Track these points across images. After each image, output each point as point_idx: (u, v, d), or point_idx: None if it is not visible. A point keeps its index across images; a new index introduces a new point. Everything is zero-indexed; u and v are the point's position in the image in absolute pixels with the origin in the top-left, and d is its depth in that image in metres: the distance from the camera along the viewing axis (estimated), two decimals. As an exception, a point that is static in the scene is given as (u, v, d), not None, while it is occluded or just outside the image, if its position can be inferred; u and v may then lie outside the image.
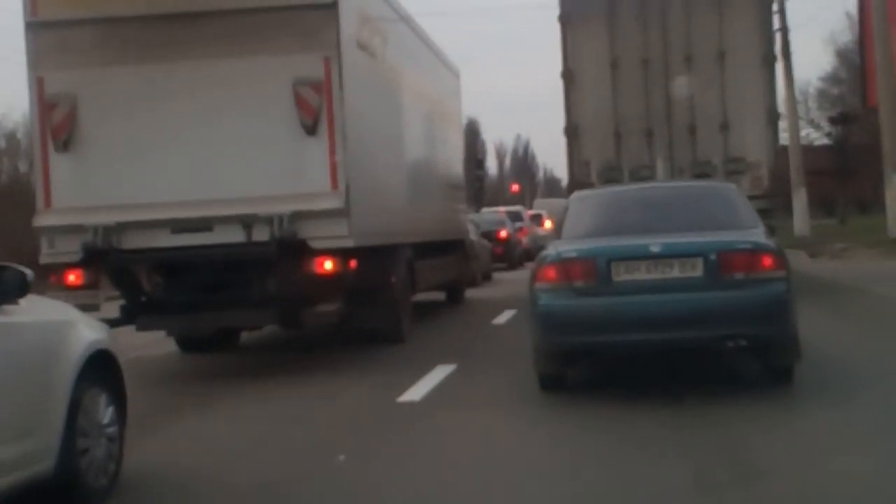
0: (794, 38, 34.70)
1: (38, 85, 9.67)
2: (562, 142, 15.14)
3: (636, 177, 14.63)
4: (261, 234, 9.41)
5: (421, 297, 14.81)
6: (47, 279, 9.61)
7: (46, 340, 5.16)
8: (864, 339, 10.40)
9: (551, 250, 7.76)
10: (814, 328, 9.64)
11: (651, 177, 14.59)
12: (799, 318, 7.54)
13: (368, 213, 10.11)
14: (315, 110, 9.41)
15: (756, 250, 7.28)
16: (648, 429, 6.63)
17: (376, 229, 10.58)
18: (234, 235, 9.48)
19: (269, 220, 9.34)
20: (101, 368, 5.49)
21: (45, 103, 9.64)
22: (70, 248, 9.58)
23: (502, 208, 36.09)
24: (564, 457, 6.21)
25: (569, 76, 15.07)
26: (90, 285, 9.78)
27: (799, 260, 20.64)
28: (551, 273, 7.44)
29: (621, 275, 7.25)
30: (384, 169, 11.28)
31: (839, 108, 55.27)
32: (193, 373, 10.81)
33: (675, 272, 7.19)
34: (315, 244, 9.50)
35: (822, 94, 57.48)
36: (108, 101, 9.63)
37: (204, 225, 9.51)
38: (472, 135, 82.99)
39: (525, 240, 31.73)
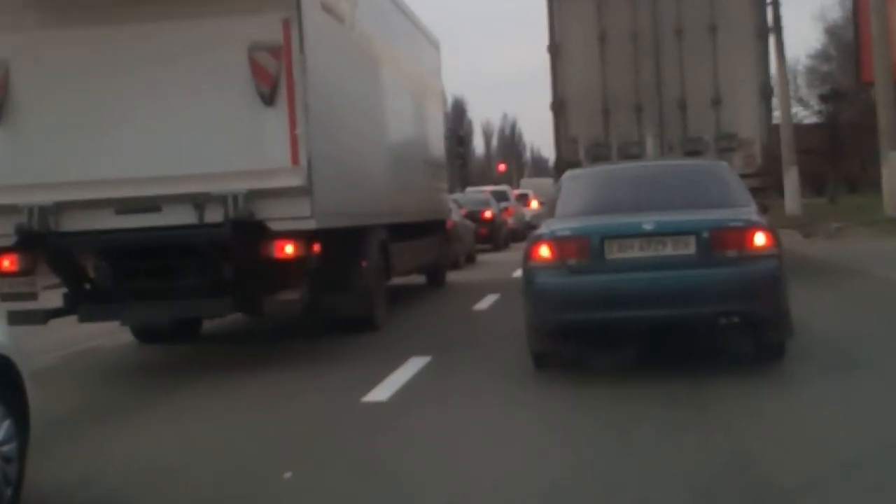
0: (783, 13, 33.82)
1: None
2: (549, 121, 14.81)
3: (625, 154, 14.22)
4: (214, 215, 8.54)
5: (400, 280, 14.05)
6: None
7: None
8: (866, 325, 9.57)
9: (545, 229, 7.79)
10: (813, 313, 9.39)
11: (640, 154, 14.17)
12: (793, 301, 7.55)
13: (334, 192, 9.24)
14: (273, 78, 8.51)
15: (748, 228, 7.29)
16: (641, 414, 6.36)
17: (344, 209, 9.72)
18: (185, 216, 8.60)
19: (222, 200, 8.46)
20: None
21: None
22: (2, 231, 8.68)
23: (487, 188, 35.26)
24: (548, 470, 5.36)
25: (555, 50, 14.65)
26: (26, 272, 8.90)
27: (793, 240, 19.93)
28: (545, 251, 7.44)
29: (614, 253, 7.28)
30: (353, 143, 10.37)
31: (829, 85, 54.72)
32: (142, 368, 9.92)
33: (667, 250, 7.23)
34: (274, 226, 8.64)
35: (811, 72, 56.89)
36: (44, 68, 8.70)
37: (151, 205, 8.63)
38: (459, 114, 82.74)
39: (511, 220, 30.93)
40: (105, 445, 6.49)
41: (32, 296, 9.10)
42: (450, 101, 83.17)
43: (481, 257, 23.65)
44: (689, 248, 7.17)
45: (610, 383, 7.36)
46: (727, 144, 14.18)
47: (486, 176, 73.31)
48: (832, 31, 54.68)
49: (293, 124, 8.53)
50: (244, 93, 8.53)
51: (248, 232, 8.59)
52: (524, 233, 32.20)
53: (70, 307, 9.30)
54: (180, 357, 10.29)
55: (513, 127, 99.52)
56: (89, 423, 7.21)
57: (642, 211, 7.62)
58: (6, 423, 4.68)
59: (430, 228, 15.22)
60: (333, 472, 5.51)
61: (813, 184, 46.62)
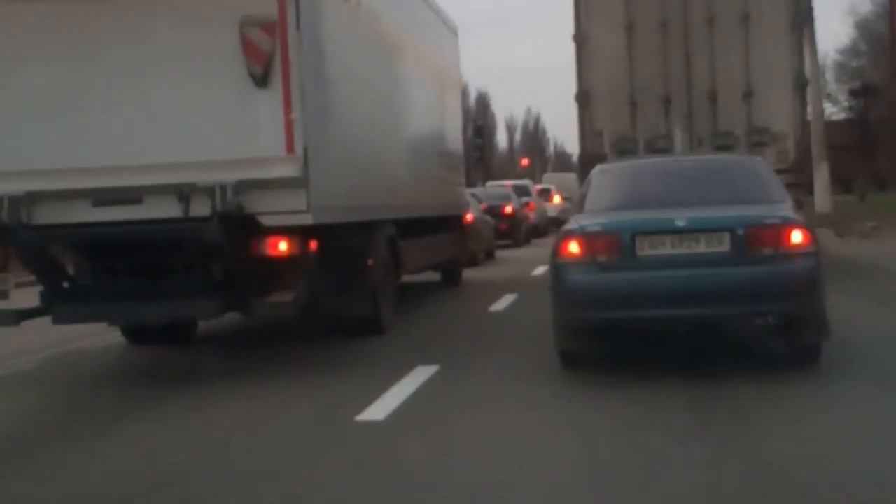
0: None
1: None
2: (573, 115, 14.40)
3: (652, 148, 13.86)
4: (200, 208, 7.73)
5: (413, 278, 13.26)
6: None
7: None
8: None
9: (574, 224, 7.58)
10: (848, 316, 8.91)
11: (668, 148, 13.79)
12: (828, 303, 7.24)
13: (335, 184, 8.43)
14: (266, 57, 7.67)
15: (785, 225, 7.06)
16: (668, 420, 6.00)
17: (346, 203, 8.90)
18: (168, 209, 7.79)
19: (210, 191, 7.65)
20: None
21: None
22: (-31, 224, 7.90)
23: (508, 182, 34.43)
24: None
25: (581, 39, 14.24)
26: (-5, 268, 8.13)
27: (825, 239, 18.94)
28: (574, 247, 7.23)
29: (646, 249, 7.06)
30: (358, 131, 9.53)
31: (858, 81, 53.85)
32: (125, 375, 9.10)
33: (701, 247, 7.00)
34: (266, 220, 7.83)
35: (840, 67, 56.04)
36: (15, 45, 7.91)
37: (132, 196, 7.82)
38: (482, 107, 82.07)
39: (532, 215, 30.09)
40: (67, 465, 5.71)
41: (3, 294, 8.33)
42: (473, 94, 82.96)
43: (501, 254, 22.83)
44: (724, 245, 6.94)
45: (636, 392, 6.85)
46: (759, 139, 13.83)
47: (508, 170, 72.83)
48: (863, 26, 53.80)
49: (288, 108, 7.70)
50: (234, 73, 7.70)
51: (237, 227, 7.78)
52: (546, 229, 31.51)
53: (47, 307, 8.50)
54: (168, 362, 9.49)
55: (536, 121, 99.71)
56: (59, 433, 6.49)
57: (675, 206, 7.40)
58: None
59: (445, 224, 14.40)
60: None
61: (841, 181, 45.68)
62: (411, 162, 12.11)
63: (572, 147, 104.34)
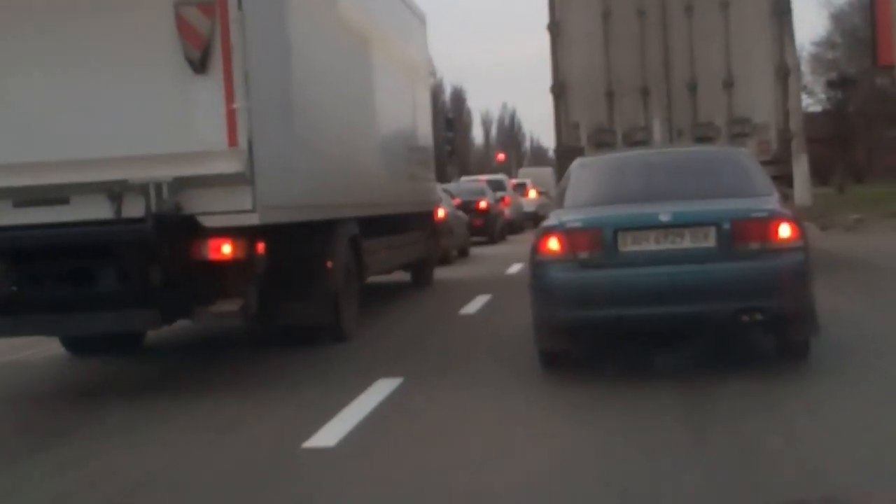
0: (786, -2, 32.54)
1: None
2: (549, 108, 13.91)
3: (630, 140, 13.37)
4: (133, 209, 6.98)
5: (381, 278, 12.51)
6: None
7: None
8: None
9: (554, 220, 7.41)
10: (837, 311, 8.67)
11: (647, 140, 13.32)
12: (818, 301, 7.11)
13: (285, 180, 7.71)
14: (204, 40, 6.92)
15: (772, 218, 6.93)
16: (657, 434, 5.62)
17: (300, 200, 8.16)
18: (98, 210, 7.04)
19: (143, 189, 6.92)
20: None
21: None
22: None
23: (483, 177, 33.78)
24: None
25: (555, 29, 13.69)
26: None
27: (809, 233, 18.38)
28: (554, 244, 7.05)
29: (628, 245, 6.92)
30: (314, 122, 8.78)
31: (834, 72, 53.64)
32: (65, 389, 8.34)
33: (685, 242, 6.87)
34: (207, 221, 7.10)
35: (815, 59, 55.69)
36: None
37: (56, 196, 7.08)
38: (458, 103, 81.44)
39: (508, 211, 29.44)
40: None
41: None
42: (448, 89, 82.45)
43: (475, 251, 22.17)
44: (709, 240, 6.81)
45: (621, 402, 6.48)
46: (740, 129, 13.41)
47: (485, 165, 72.44)
48: (838, 18, 53.46)
49: (230, 97, 6.96)
50: (169, 58, 6.96)
51: (175, 229, 7.04)
52: (521, 224, 30.88)
53: (-33, 319, 7.70)
54: (112, 376, 8.74)
55: (512, 117, 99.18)
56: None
57: (658, 201, 7.21)
58: None
59: (415, 221, 13.69)
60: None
61: (819, 173, 45.37)
62: (376, 155, 11.39)
63: (549, 142, 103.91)
